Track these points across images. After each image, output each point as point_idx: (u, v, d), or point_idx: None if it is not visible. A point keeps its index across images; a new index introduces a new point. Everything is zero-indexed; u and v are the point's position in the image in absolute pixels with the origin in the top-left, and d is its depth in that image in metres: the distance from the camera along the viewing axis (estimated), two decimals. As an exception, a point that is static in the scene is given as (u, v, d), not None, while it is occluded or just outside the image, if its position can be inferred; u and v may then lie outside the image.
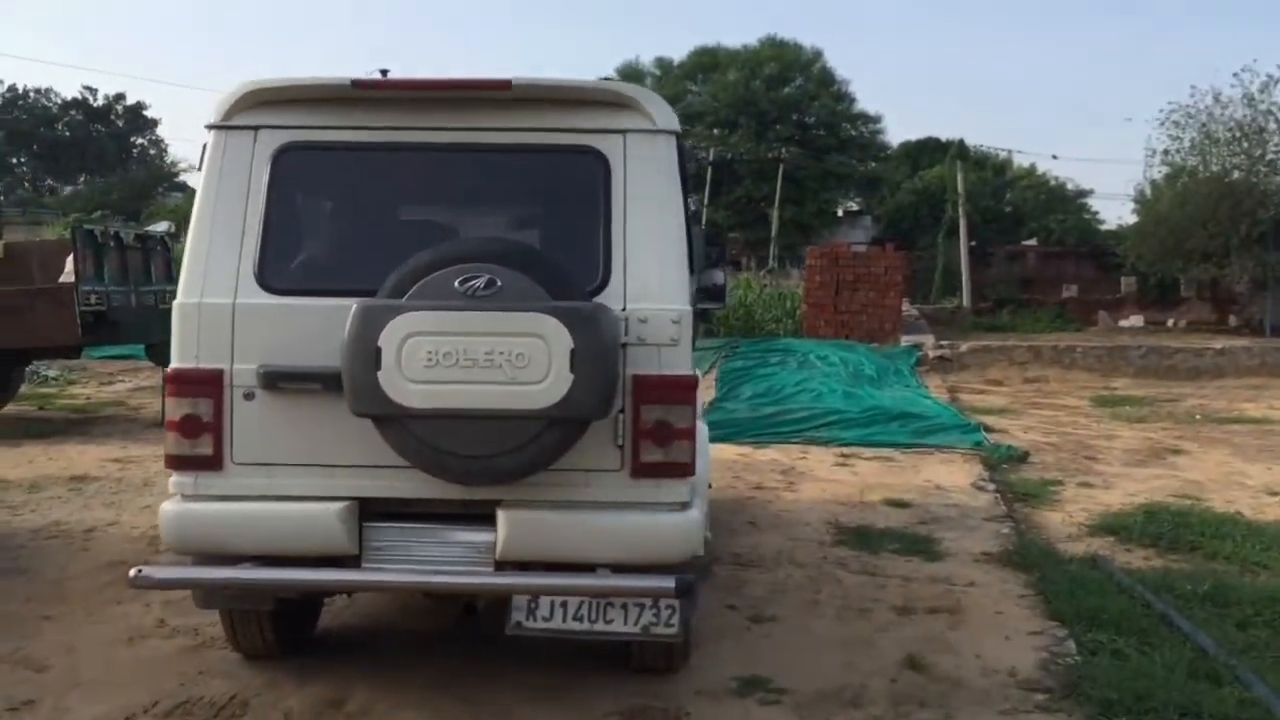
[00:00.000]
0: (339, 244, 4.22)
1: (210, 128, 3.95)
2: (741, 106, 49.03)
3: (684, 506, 3.86)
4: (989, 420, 12.01)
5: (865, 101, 54.72)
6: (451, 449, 3.58)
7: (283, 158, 3.91)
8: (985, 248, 35.36)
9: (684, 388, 3.84)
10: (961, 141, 37.69)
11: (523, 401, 3.53)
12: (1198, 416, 12.83)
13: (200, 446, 3.81)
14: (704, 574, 4.22)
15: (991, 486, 8.43)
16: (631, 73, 52.05)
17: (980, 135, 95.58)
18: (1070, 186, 51.44)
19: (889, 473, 9.02)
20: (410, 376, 3.52)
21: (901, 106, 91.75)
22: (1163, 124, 27.25)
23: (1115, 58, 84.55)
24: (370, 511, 3.86)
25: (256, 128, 3.93)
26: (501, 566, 3.82)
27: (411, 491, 3.79)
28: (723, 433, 10.68)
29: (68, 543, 6.38)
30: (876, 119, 52.35)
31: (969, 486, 8.44)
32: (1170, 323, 28.17)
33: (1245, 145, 26.42)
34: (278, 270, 3.87)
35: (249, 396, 3.81)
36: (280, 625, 4.38)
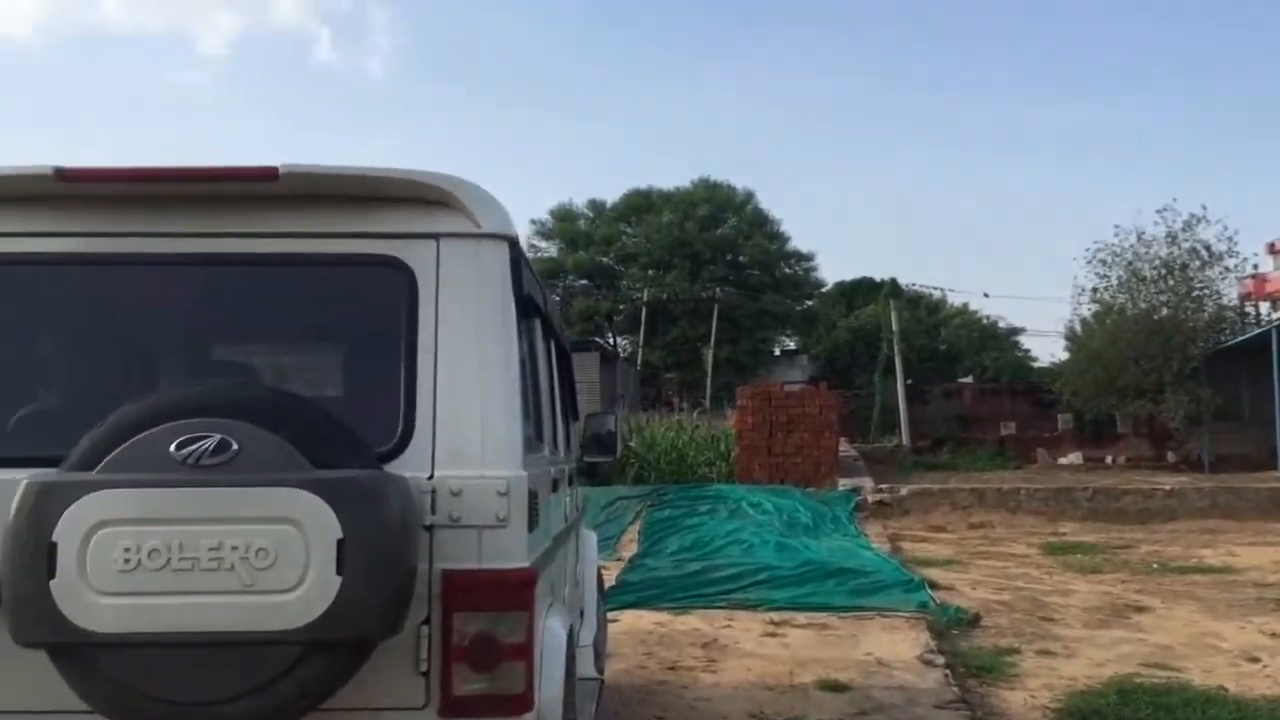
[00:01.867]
0: (32, 394, 3.11)
1: None
2: (675, 247, 49.07)
3: None
4: (934, 574, 10.95)
5: (798, 241, 55.08)
6: (160, 692, 2.44)
7: None
8: (922, 385, 35.04)
9: (516, 586, 2.76)
10: (894, 280, 37.59)
11: (266, 619, 2.43)
12: (1155, 565, 11.89)
13: None
14: None
15: (940, 660, 7.32)
16: (564, 214, 52.04)
17: (913, 274, 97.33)
18: (1002, 325, 51.90)
19: (824, 644, 7.88)
20: (99, 586, 2.41)
21: (835, 247, 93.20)
22: (1089, 262, 27.39)
23: (1041, 198, 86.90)
24: None
25: None
26: None
27: None
28: (642, 595, 9.59)
29: None
30: (809, 257, 52.74)
31: (915, 660, 7.32)
32: (1109, 459, 27.64)
33: (1171, 282, 26.51)
34: None
35: None
36: None
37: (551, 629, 3.18)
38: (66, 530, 2.41)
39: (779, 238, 51.70)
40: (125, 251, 2.90)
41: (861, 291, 51.73)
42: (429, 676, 2.70)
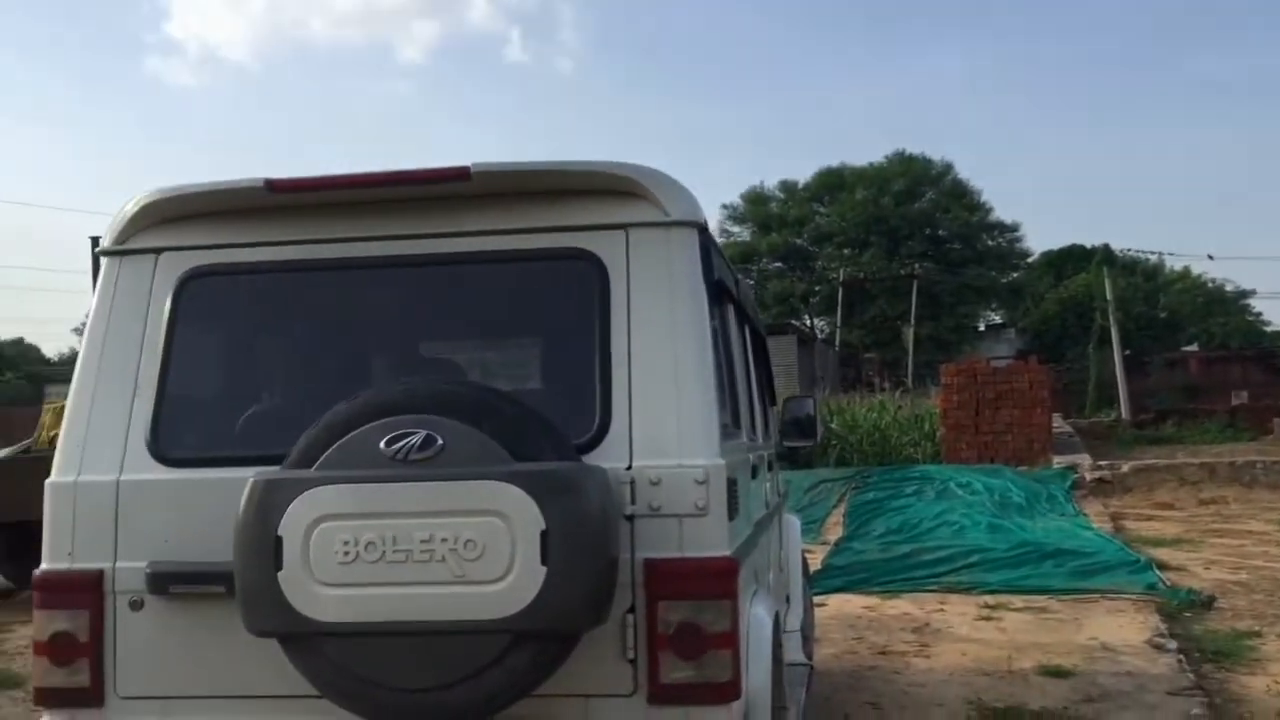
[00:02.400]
0: (255, 396, 3.29)
1: (102, 254, 3.12)
2: (871, 224, 48.23)
3: None
4: (1162, 554, 10.35)
5: (1001, 211, 53.17)
6: (380, 679, 2.54)
7: (188, 287, 3.03)
8: (1141, 356, 33.29)
9: (718, 574, 2.74)
10: (1106, 247, 35.63)
11: (476, 609, 2.49)
12: None
13: (75, 675, 2.87)
14: None
15: (1173, 644, 6.91)
16: (756, 197, 51.80)
17: (1127, 239, 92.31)
18: (1230, 288, 48.79)
19: (1044, 628, 7.56)
20: (321, 577, 2.53)
21: (1040, 214, 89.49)
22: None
23: (1270, 151, 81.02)
24: None
25: (157, 251, 3.06)
26: (476, 834, 2.72)
27: None
28: (849, 579, 9.45)
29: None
30: (1014, 228, 51.01)
31: (1144, 645, 6.93)
32: (1358, 428, 25.49)
33: None
34: (176, 435, 2.95)
35: (136, 605, 2.86)
36: None
37: (757, 616, 3.15)
38: (290, 525, 2.54)
39: (980, 209, 50.11)
40: (331, 257, 3.02)
41: (1071, 260, 49.62)
42: (636, 664, 2.72)
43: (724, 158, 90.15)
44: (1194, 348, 38.96)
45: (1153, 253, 42.32)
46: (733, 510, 2.88)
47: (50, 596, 2.90)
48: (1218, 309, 47.62)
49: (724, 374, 3.22)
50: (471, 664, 2.51)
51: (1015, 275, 51.16)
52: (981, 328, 50.13)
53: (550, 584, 2.47)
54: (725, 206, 52.36)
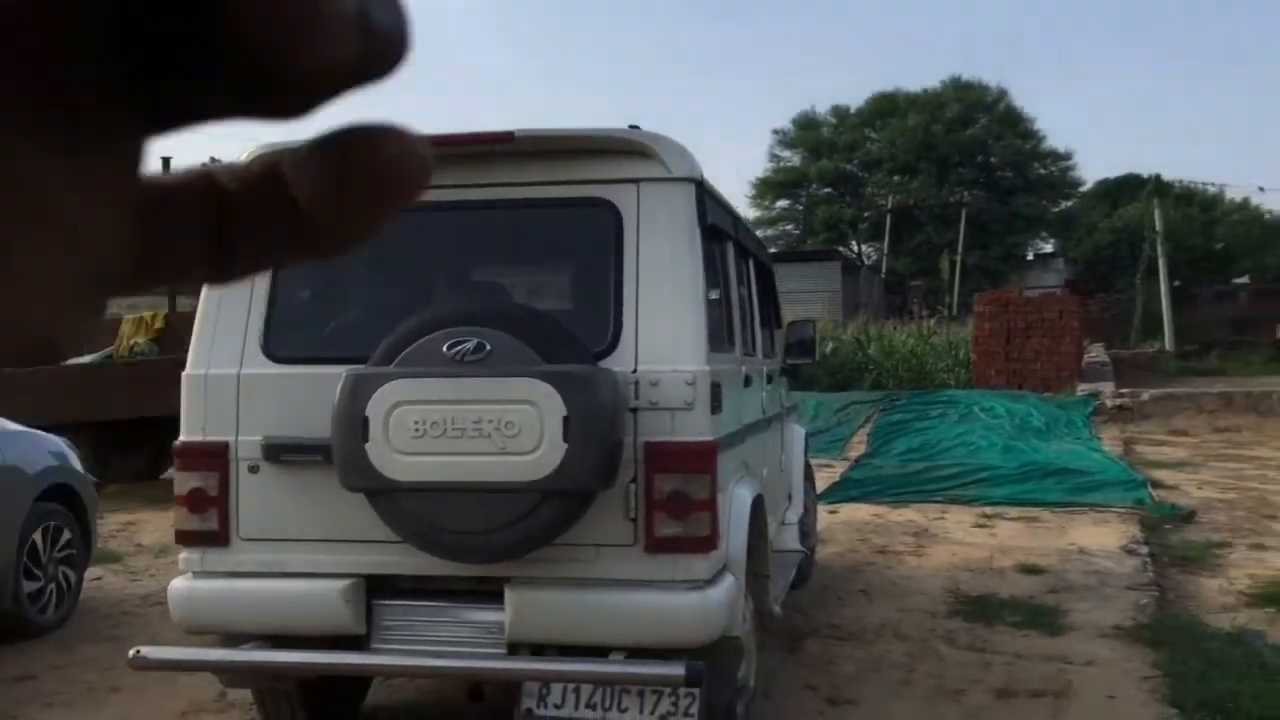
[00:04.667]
0: (342, 310, 4.13)
1: None
2: (921, 151, 48.05)
3: (705, 584, 3.55)
4: (1163, 475, 11.06)
5: (1056, 139, 52.67)
6: (442, 524, 3.39)
7: None
8: (1191, 288, 33.28)
9: (700, 454, 3.55)
10: (1158, 177, 35.48)
11: (514, 473, 3.32)
12: None
13: (207, 521, 3.75)
14: (738, 655, 3.86)
15: (1145, 550, 7.66)
16: (807, 122, 51.77)
17: (1189, 170, 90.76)
18: (1287, 219, 48.14)
19: (1030, 535, 8.35)
20: (398, 448, 3.36)
21: (1097, 143, 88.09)
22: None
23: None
24: (381, 588, 3.71)
25: None
26: (513, 648, 3.60)
27: (418, 568, 3.62)
28: (864, 491, 10.26)
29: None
30: (1066, 156, 50.53)
31: (1118, 550, 7.70)
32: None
33: None
34: (282, 339, 3.80)
35: (254, 469, 3.73)
36: (313, 702, 4.25)
37: (738, 495, 3.95)
38: (375, 408, 3.36)
39: (1033, 136, 49.72)
40: None
41: (1127, 190, 49.18)
42: (636, 522, 3.54)
43: (778, 82, 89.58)
44: (1245, 280, 38.81)
45: (1209, 184, 41.94)
46: (715, 407, 3.67)
47: (188, 461, 3.78)
48: (1275, 241, 47.10)
49: (723, 300, 3.99)
50: (511, 514, 3.34)
51: (1068, 204, 50.89)
52: (1030, 257, 50.05)
53: (569, 456, 3.28)
54: (776, 131, 52.38)
